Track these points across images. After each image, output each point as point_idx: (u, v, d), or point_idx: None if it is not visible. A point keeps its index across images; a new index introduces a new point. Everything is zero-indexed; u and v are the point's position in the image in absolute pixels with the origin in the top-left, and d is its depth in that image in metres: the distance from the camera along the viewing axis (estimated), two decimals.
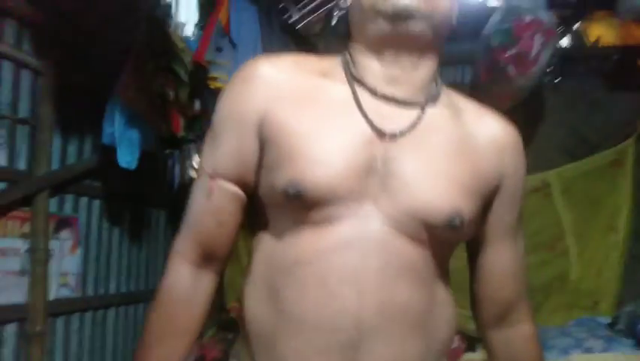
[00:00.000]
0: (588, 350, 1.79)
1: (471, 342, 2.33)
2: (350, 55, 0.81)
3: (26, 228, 2.00)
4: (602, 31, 2.72)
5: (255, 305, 0.79)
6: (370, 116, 0.76)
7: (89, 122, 2.31)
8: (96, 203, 2.41)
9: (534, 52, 1.99)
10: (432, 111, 0.79)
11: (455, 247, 0.82)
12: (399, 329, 0.74)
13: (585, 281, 2.37)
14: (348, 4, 0.83)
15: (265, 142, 0.77)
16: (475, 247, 0.87)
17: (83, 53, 2.18)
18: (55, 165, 2.15)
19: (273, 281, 0.76)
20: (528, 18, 1.96)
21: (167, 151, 2.32)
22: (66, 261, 2.19)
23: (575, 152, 2.64)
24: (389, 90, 0.77)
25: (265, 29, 1.89)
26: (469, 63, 2.86)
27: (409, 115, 0.77)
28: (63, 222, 2.20)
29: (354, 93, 0.77)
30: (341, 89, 0.78)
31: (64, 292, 2.18)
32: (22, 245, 1.97)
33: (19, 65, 2.03)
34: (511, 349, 0.89)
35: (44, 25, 2.09)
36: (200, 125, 2.10)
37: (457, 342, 2.33)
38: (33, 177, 2.03)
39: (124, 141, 1.96)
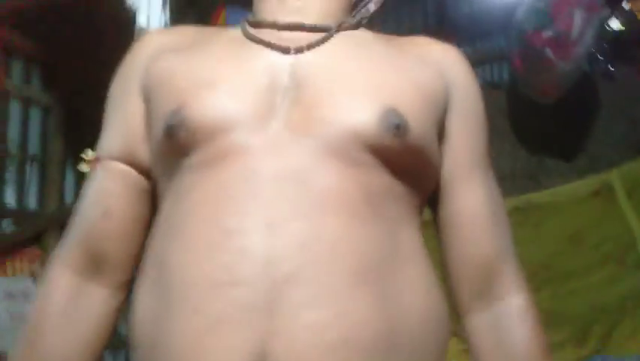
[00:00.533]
0: None
1: None
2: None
3: (36, 267, 1.95)
4: None
5: (139, 308, 0.57)
6: (268, 38, 0.62)
7: None
8: None
9: (575, 31, 1.72)
10: (351, 32, 0.65)
11: (427, 183, 0.62)
12: (333, 278, 0.51)
13: None
14: None
15: (148, 98, 0.63)
16: (436, 198, 0.65)
17: (92, 87, 2.17)
18: (68, 199, 2.13)
19: (161, 251, 0.57)
20: None
21: None
22: None
23: (637, 147, 2.30)
24: (292, 18, 0.64)
25: None
26: (504, 58, 2.63)
27: (318, 35, 0.63)
28: None
29: (243, 30, 0.65)
30: (236, 32, 0.66)
31: None
32: (31, 286, 1.92)
33: (28, 102, 2.05)
34: (500, 331, 0.61)
35: (52, 61, 2.11)
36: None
37: None
38: (43, 215, 2.00)
39: None
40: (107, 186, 0.64)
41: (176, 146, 0.57)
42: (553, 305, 2.11)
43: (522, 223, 2.24)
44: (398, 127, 0.55)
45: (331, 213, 0.53)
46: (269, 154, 0.55)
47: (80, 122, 2.16)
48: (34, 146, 2.05)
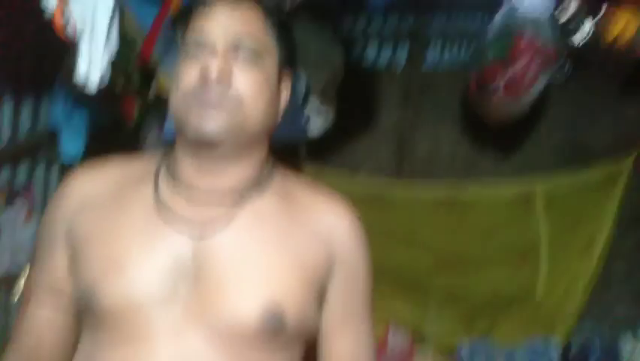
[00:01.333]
0: None
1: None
2: (170, 155, 0.79)
3: None
4: (624, 24, 2.42)
5: None
6: (179, 216, 0.72)
7: (45, 89, 2.19)
8: (55, 169, 2.36)
9: (528, 77, 1.78)
10: (257, 202, 0.76)
11: (307, 341, 0.77)
12: None
13: (548, 302, 2.37)
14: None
15: (72, 254, 0.76)
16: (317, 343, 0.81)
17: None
18: (4, 136, 2.07)
19: None
20: (530, 35, 1.72)
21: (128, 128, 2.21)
22: (19, 233, 2.19)
23: (570, 158, 2.49)
24: (204, 183, 0.74)
25: None
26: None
27: (225, 210, 0.74)
28: (15, 194, 2.17)
29: (155, 191, 0.75)
30: (149, 192, 0.76)
31: (13, 268, 2.20)
32: None
33: None
34: None
35: None
36: (160, 110, 1.98)
37: (408, 343, 2.40)
38: None
39: (68, 129, 1.86)
40: (36, 323, 0.78)
41: (89, 316, 0.72)
42: (455, 290, 2.44)
43: (449, 213, 2.48)
44: (276, 325, 0.69)
45: None
46: (167, 339, 0.68)
47: (17, 54, 2.03)
48: None
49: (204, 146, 0.72)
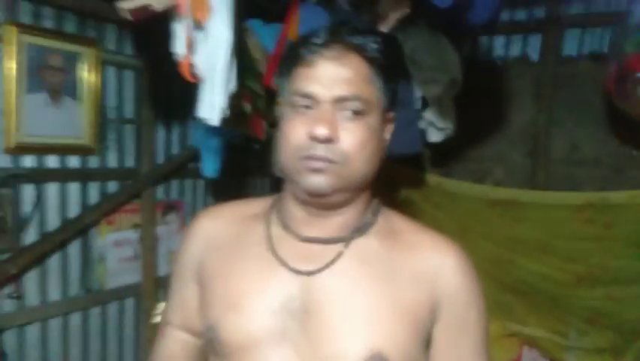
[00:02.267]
0: None
1: None
2: (282, 198, 0.87)
3: (137, 218, 2.34)
4: None
5: None
6: (289, 257, 0.81)
7: (189, 113, 2.51)
8: (200, 183, 2.69)
9: None
10: (361, 243, 0.81)
11: None
12: None
13: None
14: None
15: (202, 288, 0.88)
16: None
17: None
18: (159, 156, 2.43)
19: None
20: None
21: (256, 146, 2.43)
22: (173, 241, 2.54)
23: None
24: (312, 232, 0.82)
25: None
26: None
27: (331, 252, 0.80)
28: (170, 207, 2.52)
29: (269, 238, 0.84)
30: (263, 232, 0.85)
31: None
32: (133, 235, 2.33)
33: (122, 67, 2.25)
34: None
35: (141, 25, 2.24)
36: None
37: None
38: (140, 174, 2.32)
39: (206, 151, 2.11)
40: (172, 349, 0.94)
41: (213, 348, 0.83)
42: (603, 307, 2.22)
43: (592, 221, 2.26)
44: None
45: None
46: None
47: (167, 85, 2.36)
48: (129, 110, 2.30)
49: (313, 199, 0.80)
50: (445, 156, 2.60)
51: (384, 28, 1.86)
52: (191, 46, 1.22)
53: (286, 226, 0.84)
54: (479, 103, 2.42)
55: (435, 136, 1.98)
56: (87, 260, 2.16)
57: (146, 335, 2.38)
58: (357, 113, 0.77)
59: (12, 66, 1.81)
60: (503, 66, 2.58)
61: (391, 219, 0.86)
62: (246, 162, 2.75)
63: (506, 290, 2.31)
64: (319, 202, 0.80)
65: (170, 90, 2.40)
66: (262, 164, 2.76)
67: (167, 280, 2.42)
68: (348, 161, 0.77)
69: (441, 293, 0.79)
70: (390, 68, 0.82)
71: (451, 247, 0.82)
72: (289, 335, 0.77)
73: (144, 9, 1.12)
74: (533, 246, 2.29)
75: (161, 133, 2.44)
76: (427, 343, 0.80)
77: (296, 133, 0.77)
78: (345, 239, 0.82)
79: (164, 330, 0.96)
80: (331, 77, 0.76)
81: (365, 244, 0.82)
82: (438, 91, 1.77)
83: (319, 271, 0.79)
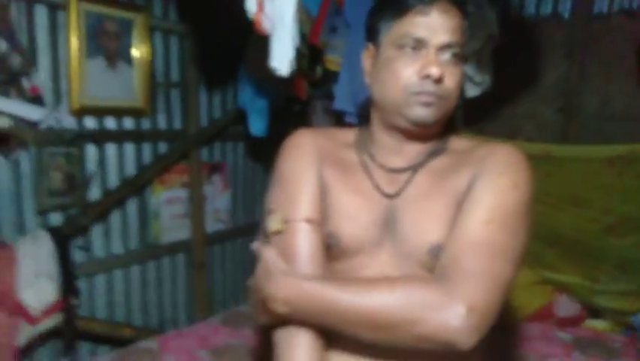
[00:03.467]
0: None
1: (594, 312, 2.38)
2: (369, 130, 1.05)
3: (185, 178, 2.51)
4: None
5: None
6: (378, 181, 1.00)
7: (229, 77, 2.65)
8: (240, 145, 2.85)
9: None
10: (433, 162, 1.00)
11: None
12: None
13: None
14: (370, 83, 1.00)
15: (323, 192, 1.01)
16: None
17: (220, 18, 2.44)
18: (203, 119, 2.58)
19: None
20: None
21: (296, 107, 2.56)
22: (218, 200, 2.72)
23: None
24: (393, 163, 1.01)
25: None
26: None
27: (408, 174, 1.00)
28: (214, 168, 2.69)
29: (365, 166, 1.02)
30: (357, 160, 1.04)
31: (219, 226, 2.74)
32: (183, 193, 2.51)
33: (168, 32, 2.38)
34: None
35: None
36: (323, 89, 2.28)
37: (579, 310, 2.41)
38: (187, 135, 2.48)
39: (254, 111, 2.25)
40: (316, 239, 0.98)
41: (331, 252, 1.01)
42: (633, 254, 2.35)
43: (623, 173, 2.37)
44: (437, 255, 0.92)
45: None
46: (380, 263, 0.99)
47: (208, 50, 2.50)
48: (175, 74, 2.45)
49: (414, 128, 0.97)
50: (477, 114, 2.72)
51: None
52: (261, 3, 1.36)
53: (372, 156, 1.03)
54: (511, 61, 2.52)
55: (472, 91, 2.10)
56: (144, 216, 2.35)
57: (196, 284, 2.58)
58: (455, 57, 0.94)
59: (74, 32, 1.96)
60: (535, 24, 2.66)
61: (459, 142, 1.03)
62: (284, 124, 2.89)
63: (538, 240, 2.44)
64: (418, 131, 0.97)
65: (211, 55, 2.53)
66: (300, 124, 2.92)
67: (214, 236, 2.61)
68: (449, 97, 0.94)
69: (481, 168, 0.93)
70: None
71: (507, 145, 0.96)
72: (386, 241, 0.98)
73: None
74: (566, 198, 2.40)
75: (203, 96, 2.59)
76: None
77: (407, 71, 0.93)
78: (420, 165, 1.00)
79: (298, 226, 0.97)
80: (439, 25, 0.91)
81: (436, 164, 1.00)
82: (477, 45, 1.89)
83: (400, 191, 0.99)
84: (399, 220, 0.98)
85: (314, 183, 0.99)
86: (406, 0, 0.93)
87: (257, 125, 2.29)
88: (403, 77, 0.92)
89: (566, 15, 2.61)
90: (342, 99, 1.92)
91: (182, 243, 2.53)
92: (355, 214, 0.99)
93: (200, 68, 2.50)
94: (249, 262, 3.23)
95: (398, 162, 1.01)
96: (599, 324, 2.35)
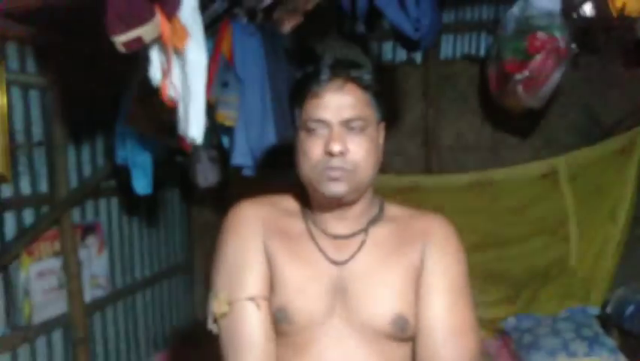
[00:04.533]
0: (572, 354, 2.12)
1: None
2: (307, 197, 1.08)
3: (57, 245, 2.27)
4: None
5: None
6: (326, 249, 1.04)
7: (98, 131, 2.48)
8: (114, 201, 2.66)
9: (545, 73, 2.05)
10: (375, 231, 1.06)
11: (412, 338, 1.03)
12: None
13: (582, 268, 2.65)
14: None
15: (269, 266, 1.03)
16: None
17: (88, 67, 2.29)
18: (72, 178, 2.36)
19: None
20: (542, 36, 1.99)
21: (179, 158, 2.50)
22: (95, 264, 2.49)
23: (587, 133, 2.77)
24: (336, 229, 1.06)
25: (271, 60, 1.94)
26: (486, 31, 2.89)
27: (355, 243, 1.04)
28: (88, 229, 2.47)
29: (310, 233, 1.06)
30: (302, 227, 1.07)
31: (98, 292, 2.51)
32: (56, 263, 2.26)
33: (26, 86, 2.15)
34: None
35: (47, 43, 2.17)
36: (208, 140, 2.26)
37: None
38: (56, 198, 2.25)
39: (137, 168, 2.14)
40: (263, 319, 1.01)
41: (281, 327, 1.02)
42: (496, 266, 2.73)
43: (480, 196, 2.76)
44: (403, 325, 1.00)
45: None
46: (333, 345, 1.01)
47: (73, 104, 2.31)
48: (38, 132, 2.22)
49: (332, 200, 1.02)
50: None
51: (283, 30, 2.10)
52: (167, 71, 1.33)
53: (316, 223, 1.07)
54: None
55: None
56: (11, 296, 2.06)
57: None
58: (360, 129, 1.00)
59: None
60: (393, 68, 2.97)
61: (392, 209, 1.11)
62: (164, 177, 2.78)
63: None
64: (337, 202, 1.03)
65: (78, 109, 2.34)
66: (181, 177, 2.83)
67: (93, 305, 2.39)
68: (357, 168, 0.99)
69: (427, 244, 1.03)
70: (379, 89, 1.06)
71: (439, 216, 1.09)
72: (336, 310, 1.01)
73: (136, 41, 1.20)
74: None
75: (71, 154, 2.38)
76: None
77: (314, 151, 0.99)
78: (364, 231, 1.06)
79: (243, 306, 1.00)
80: (337, 104, 0.98)
81: (378, 232, 1.06)
82: None
83: (350, 258, 1.03)
84: (350, 289, 1.01)
85: (259, 259, 1.03)
86: (303, 87, 1.01)
87: (141, 183, 2.17)
88: (312, 157, 0.99)
89: (419, 60, 2.97)
90: (240, 154, 1.94)
91: (59, 319, 2.27)
92: (304, 287, 1.01)
93: (67, 123, 2.30)
94: (132, 330, 3.01)
95: (341, 228, 1.05)
96: None
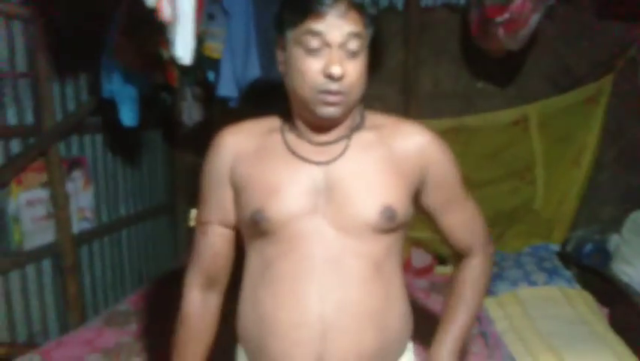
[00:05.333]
0: (532, 283, 2.31)
1: (442, 260, 2.87)
2: (290, 114, 1.13)
3: (44, 177, 2.33)
4: None
5: (245, 317, 1.14)
6: (308, 154, 1.09)
7: (82, 66, 2.51)
8: (98, 137, 2.71)
9: (524, 15, 2.14)
10: (359, 136, 1.12)
11: (401, 239, 1.14)
12: (356, 321, 1.04)
13: (546, 210, 2.83)
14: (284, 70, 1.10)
15: (236, 190, 1.14)
16: (432, 219, 1.22)
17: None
18: (57, 111, 2.40)
19: (255, 295, 1.12)
20: None
21: (164, 95, 2.54)
22: (81, 197, 2.57)
23: (558, 82, 2.90)
24: (321, 138, 1.11)
25: None
26: None
27: (339, 147, 1.10)
28: (74, 164, 2.53)
29: (285, 142, 1.12)
30: (280, 140, 1.13)
31: (85, 225, 2.60)
32: (44, 193, 2.32)
33: (10, 16, 2.16)
34: (468, 269, 1.25)
35: None
36: (194, 76, 2.31)
37: (430, 260, 2.87)
38: (43, 130, 2.30)
39: (123, 101, 2.19)
40: (214, 242, 1.20)
41: (259, 230, 1.11)
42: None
43: (455, 140, 2.86)
44: (390, 216, 1.07)
45: (355, 285, 1.05)
46: (317, 242, 1.08)
47: (60, 37, 2.33)
48: (22, 63, 2.24)
49: (325, 120, 1.07)
50: None
51: None
52: None
53: (299, 135, 1.12)
54: None
55: None
56: (2, 222, 2.13)
57: (68, 290, 2.43)
58: (357, 54, 1.04)
59: None
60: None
61: (373, 117, 1.17)
62: (149, 117, 2.82)
63: None
64: (327, 123, 1.09)
65: (62, 42, 2.36)
66: (165, 118, 2.88)
67: (80, 237, 2.47)
68: (352, 91, 1.04)
69: (427, 162, 1.13)
70: (375, 16, 1.11)
71: (425, 129, 1.16)
72: (319, 208, 1.07)
73: None
74: None
75: (56, 87, 2.41)
76: (413, 197, 1.15)
77: (312, 70, 1.02)
78: (347, 136, 1.11)
79: (203, 228, 1.18)
80: (340, 28, 1.01)
81: (362, 136, 1.12)
82: None
83: (334, 160, 1.09)
84: (337, 187, 1.06)
85: (219, 188, 1.15)
86: (306, 5, 1.02)
87: (128, 115, 2.23)
88: (309, 76, 1.01)
89: (400, 7, 3.03)
90: (226, 86, 2.00)
91: (48, 247, 2.35)
92: (278, 188, 1.07)
93: (51, 56, 2.32)
94: (117, 265, 3.13)
95: (324, 137, 1.10)
96: (446, 269, 2.83)
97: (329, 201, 1.07)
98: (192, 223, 1.18)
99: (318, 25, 1.00)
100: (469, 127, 2.85)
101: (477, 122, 2.86)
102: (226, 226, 1.18)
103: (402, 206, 1.09)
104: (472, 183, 2.81)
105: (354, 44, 1.02)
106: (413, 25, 3.00)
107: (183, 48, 1.44)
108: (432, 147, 1.14)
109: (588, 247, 2.68)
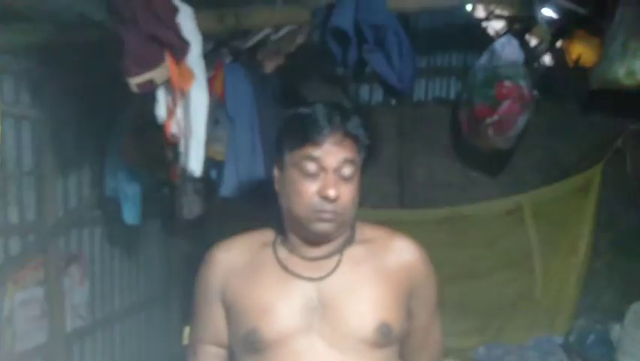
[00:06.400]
0: None
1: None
2: (283, 228, 1.17)
3: (41, 274, 2.31)
4: (582, 50, 2.95)
5: None
6: (300, 271, 1.11)
7: (85, 162, 2.57)
8: (97, 231, 2.72)
9: (512, 117, 2.27)
10: (350, 251, 1.15)
11: (397, 351, 1.16)
12: None
13: (546, 299, 2.83)
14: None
15: (228, 307, 1.15)
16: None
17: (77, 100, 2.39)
18: (58, 207, 2.42)
19: None
20: (508, 84, 2.21)
21: (165, 189, 2.59)
22: (76, 294, 2.53)
23: (548, 174, 3.00)
24: (313, 253, 1.14)
25: (260, 100, 2.10)
26: (455, 76, 3.13)
27: (332, 263, 1.12)
28: (72, 259, 2.51)
29: (277, 259, 1.14)
30: (272, 256, 1.15)
31: (79, 322, 2.54)
32: (39, 292, 2.29)
33: (19, 118, 2.24)
34: None
35: (41, 76, 2.27)
36: None
37: None
38: (44, 226, 2.30)
39: (127, 199, 2.23)
40: (209, 352, 1.20)
41: (253, 348, 1.11)
42: (466, 298, 2.87)
43: (451, 230, 2.92)
44: (386, 333, 1.10)
45: None
46: (311, 355, 1.07)
47: (66, 134, 2.40)
48: (28, 162, 2.29)
49: (319, 236, 1.12)
50: None
51: (266, 70, 2.26)
52: (173, 110, 1.45)
53: (292, 250, 1.15)
54: None
55: None
56: None
57: None
58: (351, 178, 1.10)
59: None
60: (369, 109, 3.17)
61: (364, 229, 1.20)
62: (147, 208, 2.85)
63: None
64: (321, 237, 1.13)
65: (65, 141, 2.43)
66: (162, 209, 2.91)
67: (73, 335, 2.41)
68: (345, 212, 1.10)
69: (415, 279, 1.17)
70: (368, 143, 1.16)
71: (415, 246, 1.20)
72: (313, 325, 1.08)
73: (149, 83, 1.32)
74: None
75: (59, 184, 2.45)
76: (408, 314, 1.18)
77: (309, 192, 1.08)
78: (339, 251, 1.14)
79: (195, 347, 1.20)
80: (335, 155, 1.08)
81: (354, 250, 1.15)
82: None
83: (327, 275, 1.11)
84: (330, 304, 1.08)
85: (210, 308, 1.18)
86: (305, 133, 1.08)
87: (131, 213, 2.26)
88: (305, 197, 1.07)
89: (394, 102, 3.18)
90: (229, 187, 2.06)
91: (38, 348, 2.29)
92: (271, 307, 1.09)
93: (56, 154, 2.38)
94: (108, 354, 3.00)
95: (317, 252, 1.13)
96: None
97: (323, 319, 1.09)
98: (185, 342, 1.18)
99: (315, 152, 1.07)
100: (464, 216, 2.91)
101: (471, 211, 2.92)
102: (219, 345, 1.19)
103: (397, 321, 1.12)
104: (470, 274, 2.90)
105: (348, 170, 1.08)
106: (406, 118, 3.13)
107: (196, 162, 1.50)
108: (420, 266, 1.19)
109: (591, 338, 2.66)
